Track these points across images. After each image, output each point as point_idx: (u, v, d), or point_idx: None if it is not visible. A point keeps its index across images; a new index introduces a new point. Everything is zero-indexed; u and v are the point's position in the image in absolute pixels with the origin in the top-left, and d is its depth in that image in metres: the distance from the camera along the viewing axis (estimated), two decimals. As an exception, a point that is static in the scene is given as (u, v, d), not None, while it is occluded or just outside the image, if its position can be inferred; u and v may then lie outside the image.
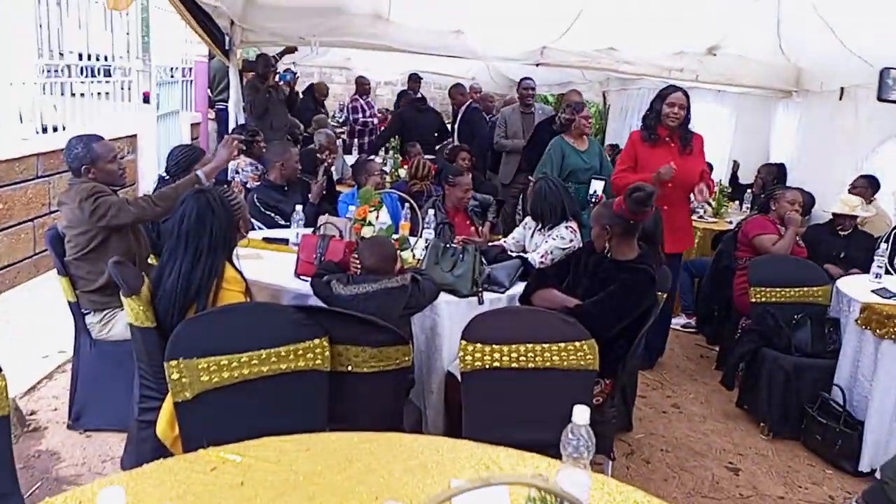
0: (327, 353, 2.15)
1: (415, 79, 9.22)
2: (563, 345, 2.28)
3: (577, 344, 2.28)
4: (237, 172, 4.31)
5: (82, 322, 2.91)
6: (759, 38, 5.63)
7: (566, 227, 3.50)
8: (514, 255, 3.30)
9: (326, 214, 3.48)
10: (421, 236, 3.53)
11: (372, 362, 2.22)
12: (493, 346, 2.26)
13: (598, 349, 2.29)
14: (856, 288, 3.49)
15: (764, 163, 6.46)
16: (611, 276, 2.66)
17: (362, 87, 9.22)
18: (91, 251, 2.80)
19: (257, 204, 3.96)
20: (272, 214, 4.03)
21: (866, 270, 4.17)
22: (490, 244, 3.69)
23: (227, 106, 6.56)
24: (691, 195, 3.95)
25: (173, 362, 1.95)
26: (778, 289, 3.68)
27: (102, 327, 2.89)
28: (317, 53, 6.45)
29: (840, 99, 5.69)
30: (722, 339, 4.40)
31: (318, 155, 4.89)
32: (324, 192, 4.24)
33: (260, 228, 3.79)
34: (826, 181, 5.55)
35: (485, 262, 2.93)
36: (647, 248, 2.79)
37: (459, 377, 2.50)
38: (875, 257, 3.71)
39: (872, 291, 3.38)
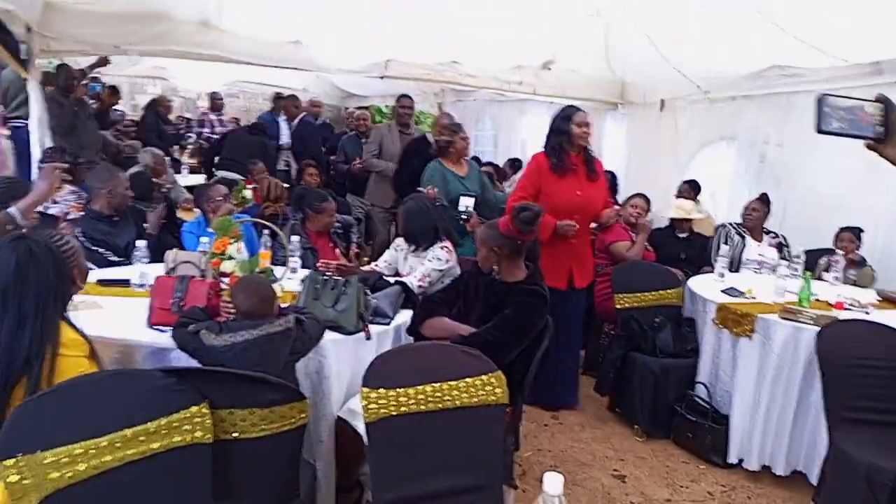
0: (208, 421, 1.82)
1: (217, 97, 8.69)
2: (469, 380, 2.13)
3: (485, 378, 2.15)
4: (55, 202, 3.67)
5: None
6: (589, 53, 5.95)
7: (441, 248, 3.37)
8: (392, 280, 3.10)
9: (175, 249, 3.04)
10: (289, 265, 3.22)
11: (262, 425, 1.91)
12: (397, 390, 2.06)
13: (504, 380, 2.18)
14: (706, 288, 3.72)
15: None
16: (504, 299, 2.57)
17: (214, 101, 8.51)
18: None
19: (82, 239, 3.39)
20: (101, 251, 3.48)
21: (697, 268, 4.56)
22: (361, 269, 3.45)
23: (25, 123, 5.66)
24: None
25: (9, 462, 1.52)
26: (638, 294, 3.84)
27: None
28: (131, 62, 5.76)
29: (661, 110, 6.18)
30: (587, 345, 4.53)
31: (153, 179, 4.32)
32: (163, 221, 3.74)
33: (90, 269, 3.23)
34: (653, 187, 5.96)
35: (368, 292, 2.70)
36: (534, 267, 2.73)
37: (360, 427, 2.28)
38: (718, 258, 4.00)
39: (722, 291, 3.62)
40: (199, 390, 1.83)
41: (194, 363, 2.24)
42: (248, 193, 5.19)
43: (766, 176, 5.26)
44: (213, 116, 8.33)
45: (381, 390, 2.05)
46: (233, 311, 2.25)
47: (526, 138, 8.16)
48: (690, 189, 5.70)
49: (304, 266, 3.50)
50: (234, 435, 1.89)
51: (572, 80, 6.29)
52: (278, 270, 3.21)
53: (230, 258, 2.87)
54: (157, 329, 2.42)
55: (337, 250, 3.97)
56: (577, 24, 5.41)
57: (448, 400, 2.10)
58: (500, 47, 5.74)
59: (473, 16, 5.10)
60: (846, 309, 3.35)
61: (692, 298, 3.80)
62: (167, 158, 6.37)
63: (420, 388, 2.08)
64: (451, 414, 2.09)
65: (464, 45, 5.70)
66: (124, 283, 2.95)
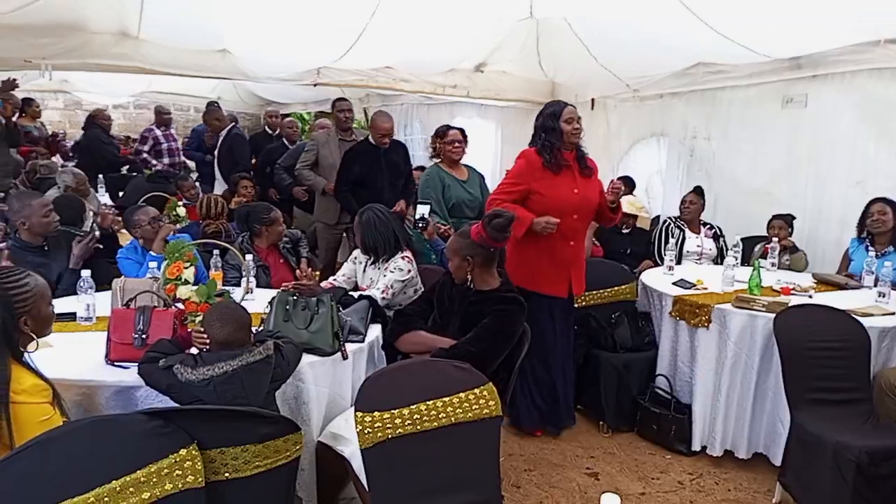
0: (199, 464, 1.70)
1: (163, 111, 8.16)
2: (463, 395, 2.10)
3: (478, 391, 2.12)
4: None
5: None
6: (521, 55, 6.00)
7: (403, 258, 3.30)
8: (356, 295, 3.00)
9: (123, 277, 2.84)
10: (246, 286, 3.07)
11: (256, 462, 1.80)
12: (392, 411, 2.00)
13: (496, 392, 2.15)
14: (659, 282, 3.82)
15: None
16: (482, 308, 2.54)
17: (160, 116, 7.94)
18: None
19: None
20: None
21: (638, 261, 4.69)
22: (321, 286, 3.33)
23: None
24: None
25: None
26: (595, 291, 3.90)
27: None
28: (50, 78, 5.35)
29: (592, 109, 6.33)
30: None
31: (83, 201, 4.03)
32: (99, 247, 3.49)
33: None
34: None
35: (341, 310, 2.61)
36: (505, 274, 2.72)
37: (345, 451, 2.20)
38: (666, 251, 4.12)
39: (674, 284, 3.73)
40: (187, 431, 1.70)
41: (166, 401, 2.10)
42: (181, 211, 4.93)
43: (696, 169, 5.47)
44: (158, 132, 7.83)
45: (376, 413, 1.98)
46: (207, 341, 2.11)
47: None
48: (625, 185, 5.86)
49: (258, 285, 3.36)
50: (227, 475, 1.77)
51: (505, 81, 6.34)
52: (236, 293, 3.06)
53: (186, 283, 2.71)
54: (117, 366, 2.24)
55: (288, 266, 3.83)
56: (509, 26, 5.45)
57: (444, 417, 2.05)
58: (433, 51, 5.70)
59: (406, 20, 5.05)
60: (793, 294, 3.51)
61: (645, 293, 3.90)
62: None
63: (414, 407, 2.03)
64: (448, 431, 2.05)
65: (396, 50, 5.64)
66: (68, 316, 2.72)
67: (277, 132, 7.23)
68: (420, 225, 3.65)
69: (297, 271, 3.30)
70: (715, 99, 5.25)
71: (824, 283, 3.86)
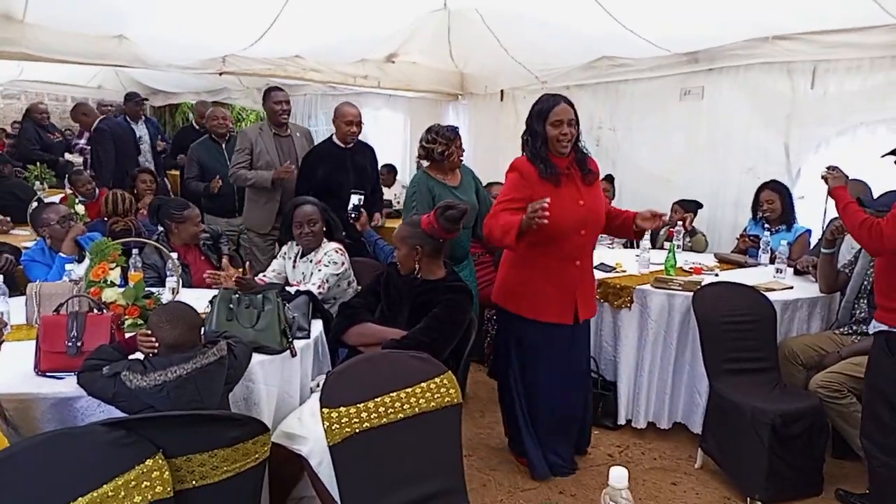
0: (166, 473, 1.61)
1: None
2: (424, 385, 2.12)
3: (438, 380, 2.14)
4: None
5: None
6: (433, 47, 6.03)
7: (336, 251, 3.25)
8: (294, 290, 2.93)
9: (38, 282, 2.62)
10: (172, 286, 2.93)
11: (225, 467, 1.73)
12: (358, 405, 1.99)
13: (455, 380, 2.18)
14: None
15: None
16: (432, 298, 2.56)
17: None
18: None
19: None
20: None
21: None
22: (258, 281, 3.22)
23: None
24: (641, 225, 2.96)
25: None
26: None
27: None
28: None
29: (501, 100, 6.47)
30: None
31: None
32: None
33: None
34: (499, 175, 6.23)
35: (291, 306, 2.54)
36: (451, 265, 2.75)
37: (302, 450, 2.17)
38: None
39: (595, 268, 3.89)
40: (151, 440, 1.61)
41: (109, 411, 1.98)
42: (80, 208, 4.61)
43: (602, 158, 5.69)
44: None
45: (342, 408, 1.96)
46: (155, 345, 2.00)
47: (365, 130, 8.08)
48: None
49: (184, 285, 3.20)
50: (193, 483, 1.70)
51: (415, 72, 6.36)
52: (160, 293, 2.90)
53: (112, 285, 2.54)
54: (50, 377, 2.08)
55: (209, 263, 3.67)
56: (421, 17, 5.46)
57: (408, 408, 2.06)
58: (344, 41, 5.62)
59: (318, 9, 4.95)
60: (703, 274, 3.77)
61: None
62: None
63: (379, 399, 2.03)
64: (413, 421, 2.06)
65: (306, 39, 5.51)
66: (-22, 327, 2.48)
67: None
68: (353, 216, 3.59)
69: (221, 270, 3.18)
70: (618, 91, 5.51)
71: (725, 261, 4.18)
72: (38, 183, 6.00)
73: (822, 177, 2.91)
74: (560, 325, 2.89)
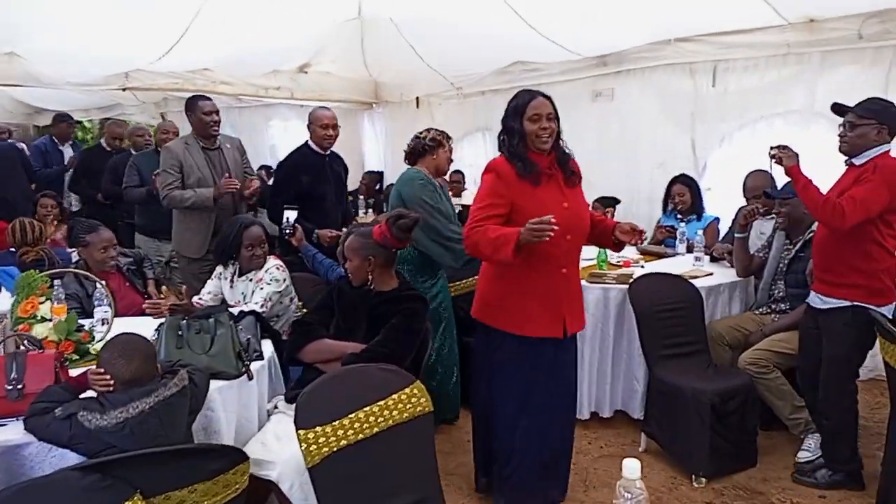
0: (147, 513, 1.53)
1: None
2: (397, 396, 2.10)
3: (409, 390, 2.13)
4: None
5: None
6: (346, 56, 6.01)
7: (277, 269, 3.17)
8: (237, 311, 2.83)
9: (-41, 322, 2.40)
10: (103, 317, 2.76)
11: (206, 501, 1.66)
12: (333, 424, 1.96)
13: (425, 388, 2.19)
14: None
15: (364, 171, 6.97)
16: (388, 309, 2.54)
17: None
18: None
19: None
20: None
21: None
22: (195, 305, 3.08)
23: None
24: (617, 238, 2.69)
25: None
26: (460, 282, 4.03)
27: None
28: None
29: (417, 107, 6.53)
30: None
31: None
32: None
33: None
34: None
35: (242, 327, 2.46)
36: (402, 274, 2.75)
37: (270, 475, 2.11)
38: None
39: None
40: (127, 481, 1.53)
41: (61, 456, 1.85)
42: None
43: (521, 160, 5.89)
44: None
45: (318, 428, 1.92)
46: (111, 382, 1.88)
47: (276, 143, 7.93)
48: (461, 179, 6.15)
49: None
50: (173, 520, 1.62)
51: (328, 82, 6.32)
52: (90, 325, 2.73)
53: (43, 320, 2.37)
54: (-9, 425, 1.92)
55: (133, 290, 3.48)
56: (334, 27, 5.42)
57: (382, 421, 2.04)
58: (255, 52, 5.49)
59: (228, 20, 4.81)
60: (632, 266, 3.95)
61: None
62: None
63: (353, 415, 2.00)
64: (388, 434, 2.05)
65: (215, 52, 5.34)
66: None
67: (118, 147, 5.91)
68: (287, 231, 3.50)
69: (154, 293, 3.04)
70: (532, 95, 5.67)
71: (647, 253, 4.39)
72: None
73: (772, 156, 2.92)
74: (547, 339, 2.60)
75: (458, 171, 6.09)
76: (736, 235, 3.67)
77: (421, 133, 3.54)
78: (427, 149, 3.45)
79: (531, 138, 2.51)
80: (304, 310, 3.29)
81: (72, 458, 1.84)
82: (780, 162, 2.86)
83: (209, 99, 4.14)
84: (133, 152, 5.34)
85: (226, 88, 5.77)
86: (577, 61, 5.16)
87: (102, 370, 1.89)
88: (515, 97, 2.61)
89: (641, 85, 4.98)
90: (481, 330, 2.75)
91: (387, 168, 6.97)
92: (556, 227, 2.22)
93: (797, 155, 2.86)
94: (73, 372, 2.14)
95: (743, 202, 3.91)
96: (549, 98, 2.57)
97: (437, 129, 3.56)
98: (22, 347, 2.08)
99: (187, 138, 4.11)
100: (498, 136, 2.65)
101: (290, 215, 3.53)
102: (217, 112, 4.05)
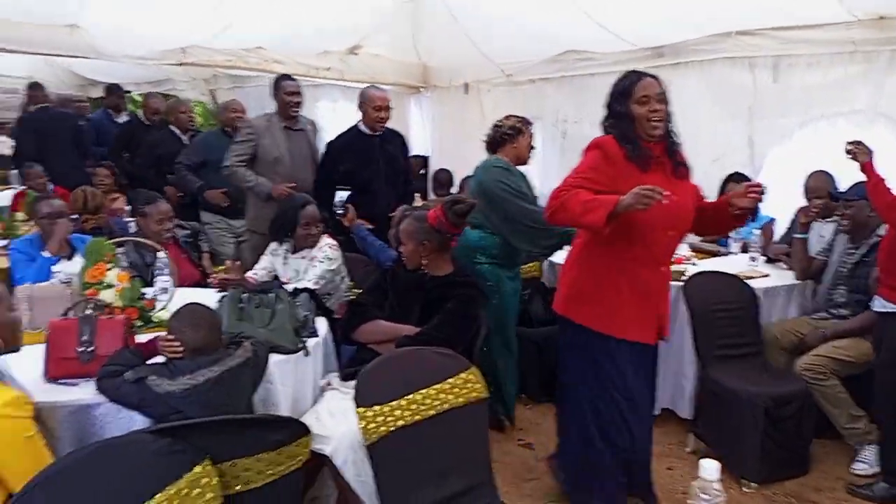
0: (215, 479, 1.56)
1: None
2: (453, 380, 2.11)
3: (465, 375, 2.14)
4: None
5: None
6: (397, 39, 5.99)
7: (331, 247, 3.19)
8: (292, 288, 2.85)
9: (29, 285, 2.47)
10: (164, 286, 2.81)
11: (269, 471, 1.68)
12: (392, 403, 1.96)
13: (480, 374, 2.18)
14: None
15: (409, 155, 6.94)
16: (443, 294, 2.54)
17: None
18: None
19: None
20: None
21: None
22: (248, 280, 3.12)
23: None
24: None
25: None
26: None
27: None
28: None
29: (466, 93, 6.47)
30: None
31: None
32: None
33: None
34: (464, 168, 6.25)
35: (299, 304, 2.48)
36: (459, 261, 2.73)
37: (325, 449, 2.13)
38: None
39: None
40: (200, 447, 1.55)
41: (128, 418, 1.89)
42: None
43: (569, 150, 5.81)
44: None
45: (376, 407, 1.94)
46: (180, 349, 1.91)
47: (324, 124, 7.95)
48: None
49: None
50: (238, 488, 1.64)
51: (378, 65, 6.28)
52: (153, 293, 2.78)
53: (109, 287, 2.42)
54: (62, 384, 1.96)
55: (190, 262, 3.54)
56: (388, 8, 5.40)
57: (438, 404, 2.05)
58: (307, 33, 5.51)
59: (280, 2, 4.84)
60: (684, 263, 3.88)
61: (553, 269, 4.10)
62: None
63: (411, 397, 2.00)
64: (443, 417, 2.05)
65: (269, 31, 5.37)
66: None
67: (158, 119, 5.83)
68: (340, 212, 3.52)
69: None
70: (584, 85, 5.57)
71: (700, 251, 4.31)
72: (-21, 180, 5.64)
73: (848, 151, 2.83)
74: (639, 345, 2.40)
75: None
76: (796, 236, 3.57)
77: (500, 121, 3.39)
78: (507, 137, 3.31)
79: (641, 123, 2.28)
80: (355, 290, 3.31)
81: (139, 421, 1.89)
82: (855, 157, 2.78)
83: (294, 80, 4.13)
84: (173, 129, 5.33)
85: (278, 67, 5.76)
86: (633, 52, 5.05)
87: (172, 337, 1.93)
88: (621, 79, 2.38)
89: (699, 78, 4.85)
90: (562, 326, 2.56)
91: (433, 153, 6.93)
92: (666, 198, 2.01)
93: (872, 151, 2.78)
94: (138, 338, 2.18)
95: (800, 202, 3.82)
96: (656, 78, 2.36)
97: (516, 117, 3.40)
98: (90, 312, 2.12)
99: (271, 115, 4.08)
100: (602, 121, 2.43)
101: (343, 195, 3.54)
102: (299, 93, 4.03)
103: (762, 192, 2.32)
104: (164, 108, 5.86)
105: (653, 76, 2.36)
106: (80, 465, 1.40)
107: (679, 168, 2.42)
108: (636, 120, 2.29)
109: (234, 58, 5.52)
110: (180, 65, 5.33)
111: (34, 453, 1.55)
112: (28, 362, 2.01)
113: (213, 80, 9.45)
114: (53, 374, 1.97)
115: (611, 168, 2.27)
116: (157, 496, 1.43)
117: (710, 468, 1.22)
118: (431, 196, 6.36)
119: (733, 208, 2.37)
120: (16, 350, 1.69)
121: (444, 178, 6.45)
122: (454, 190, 6.02)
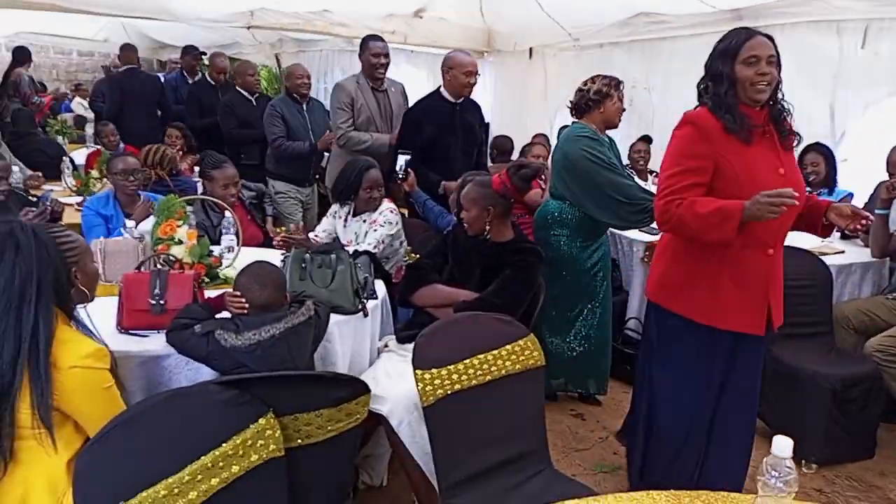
0: (278, 432, 1.61)
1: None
2: (510, 347, 2.10)
3: (522, 342, 2.12)
4: None
5: None
6: (463, 2, 5.90)
7: (391, 211, 3.21)
8: (352, 250, 2.90)
9: (103, 239, 2.58)
10: (231, 244, 2.90)
11: (329, 426, 1.72)
12: (449, 367, 1.97)
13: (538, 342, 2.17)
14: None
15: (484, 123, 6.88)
16: (503, 260, 2.53)
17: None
18: None
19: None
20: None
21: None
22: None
23: None
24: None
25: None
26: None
27: None
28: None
29: (530, 58, 6.35)
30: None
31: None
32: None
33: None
34: (525, 135, 6.16)
35: (359, 266, 2.51)
36: (518, 226, 2.71)
37: (382, 409, 2.17)
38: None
39: (641, 230, 3.87)
40: (263, 399, 1.60)
41: (195, 369, 1.97)
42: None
43: (636, 119, 5.63)
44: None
45: (434, 370, 1.95)
46: (246, 305, 1.98)
47: (387, 87, 7.98)
48: (545, 141, 5.93)
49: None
50: (299, 441, 1.69)
51: (442, 29, 6.21)
52: (221, 251, 2.87)
53: (179, 243, 2.51)
54: (133, 334, 2.06)
55: (253, 223, 3.63)
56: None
57: (495, 370, 2.05)
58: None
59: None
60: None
61: (613, 240, 4.02)
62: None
63: (468, 361, 2.01)
64: (500, 383, 2.05)
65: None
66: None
67: (223, 82, 5.92)
68: (401, 176, 3.53)
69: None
70: (655, 49, 5.39)
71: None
72: (59, 138, 5.90)
73: None
74: (747, 336, 2.19)
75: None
76: (876, 212, 3.38)
77: (585, 84, 3.19)
78: (592, 103, 3.13)
79: (744, 86, 2.04)
80: (413, 254, 3.33)
81: (205, 373, 1.97)
82: None
83: (382, 41, 4.11)
84: (242, 91, 5.22)
85: (342, 30, 5.81)
86: (709, 14, 4.82)
87: (239, 294, 1.99)
88: (727, 37, 2.13)
89: (779, 42, 4.50)
90: (654, 314, 2.35)
91: (493, 120, 6.85)
92: (797, 201, 1.84)
93: None
94: (206, 294, 2.26)
95: (882, 177, 3.61)
96: (770, 38, 2.13)
97: (603, 77, 3.16)
98: (160, 266, 2.21)
99: (358, 77, 4.11)
100: (697, 84, 2.20)
101: (404, 160, 3.54)
102: (386, 55, 4.02)
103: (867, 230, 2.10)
104: (231, 70, 5.93)
105: (766, 35, 2.13)
106: (154, 410, 1.47)
107: (787, 138, 2.16)
108: (738, 83, 2.05)
109: (300, 21, 5.57)
110: (248, 28, 5.38)
111: (111, 403, 1.64)
112: (100, 313, 2.11)
113: (279, 44, 9.55)
114: (127, 324, 2.07)
115: (708, 146, 2.04)
116: (225, 445, 1.49)
117: (783, 445, 1.19)
118: (490, 164, 6.30)
119: (826, 219, 2.16)
120: (90, 301, 1.77)
121: (504, 145, 6.36)
122: (514, 158, 5.92)
